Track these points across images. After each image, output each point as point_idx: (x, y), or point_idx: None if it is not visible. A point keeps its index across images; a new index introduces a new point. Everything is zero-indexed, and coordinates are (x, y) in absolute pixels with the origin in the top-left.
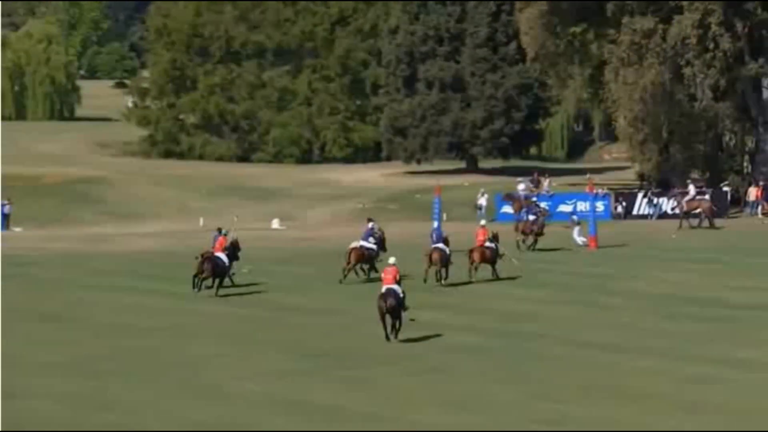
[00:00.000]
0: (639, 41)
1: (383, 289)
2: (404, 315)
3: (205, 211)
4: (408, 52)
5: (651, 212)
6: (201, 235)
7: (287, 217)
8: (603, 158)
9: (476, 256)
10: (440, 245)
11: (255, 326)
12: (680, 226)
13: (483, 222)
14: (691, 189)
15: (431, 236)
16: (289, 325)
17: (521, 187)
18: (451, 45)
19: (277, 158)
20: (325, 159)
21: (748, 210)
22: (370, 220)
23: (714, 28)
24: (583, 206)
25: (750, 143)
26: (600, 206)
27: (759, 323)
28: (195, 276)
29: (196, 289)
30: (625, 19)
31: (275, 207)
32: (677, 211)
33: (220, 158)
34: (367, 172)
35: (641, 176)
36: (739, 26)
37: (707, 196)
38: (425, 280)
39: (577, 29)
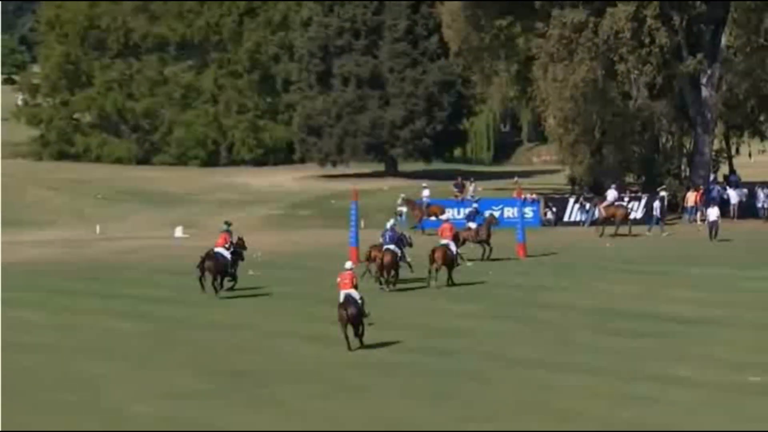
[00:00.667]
0: (569, 35)
1: (342, 297)
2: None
3: (102, 217)
4: (322, 46)
5: (583, 219)
6: (98, 243)
7: (191, 224)
8: (532, 161)
9: (438, 255)
10: (392, 246)
11: (155, 343)
12: (600, 233)
13: (445, 217)
14: (609, 194)
15: (383, 236)
16: (193, 341)
17: (425, 193)
18: (368, 39)
19: (180, 160)
20: (233, 161)
21: (686, 216)
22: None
23: (650, 21)
24: (510, 212)
25: (688, 145)
26: (529, 212)
27: (697, 338)
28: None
29: (203, 290)
30: (555, 12)
31: (178, 214)
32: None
33: (118, 160)
34: (279, 175)
35: (573, 180)
36: (676, 20)
37: (625, 202)
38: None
39: (504, 22)
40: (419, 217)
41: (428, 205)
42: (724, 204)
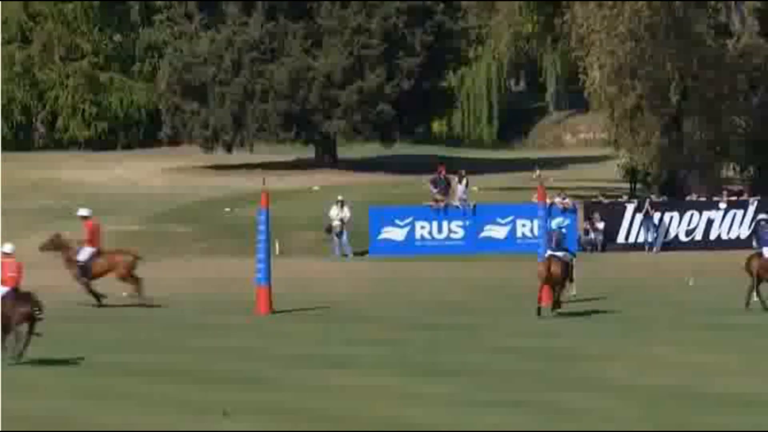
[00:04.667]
0: None
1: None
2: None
3: None
4: None
5: (650, 238)
6: None
7: None
8: (563, 141)
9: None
10: (559, 253)
11: None
12: (747, 302)
13: None
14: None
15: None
16: None
17: (334, 214)
18: None
19: None
20: (56, 142)
21: None
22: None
23: None
24: (527, 227)
25: None
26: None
27: None
28: None
29: None
30: None
31: None
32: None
33: None
34: (134, 165)
35: (632, 173)
36: None
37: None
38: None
39: None
40: None
41: None
42: None
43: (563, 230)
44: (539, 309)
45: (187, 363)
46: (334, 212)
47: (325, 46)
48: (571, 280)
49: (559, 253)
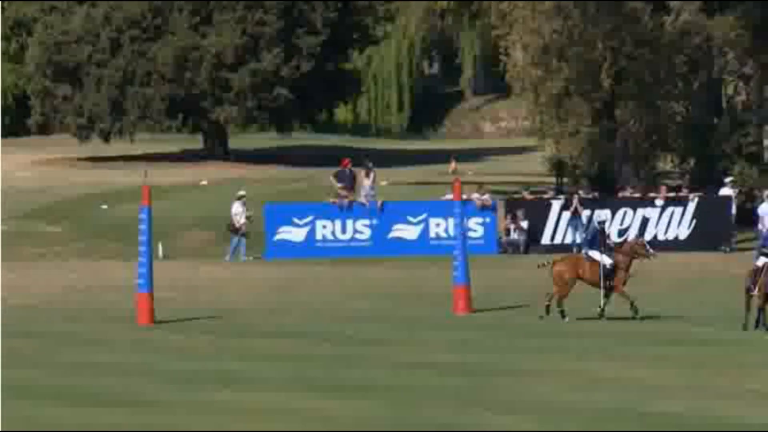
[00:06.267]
0: None
1: None
2: None
3: None
4: None
5: (579, 239)
6: None
7: None
8: (483, 130)
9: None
10: (596, 254)
11: None
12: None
13: None
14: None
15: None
16: None
17: (235, 210)
18: None
19: None
20: None
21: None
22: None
23: None
24: (441, 227)
25: None
26: (477, 227)
27: None
28: None
29: None
30: None
31: None
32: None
33: None
34: None
35: (559, 167)
36: None
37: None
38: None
39: None
40: None
41: None
42: None
43: (605, 226)
44: (562, 312)
45: (55, 380)
46: (239, 209)
47: (215, 23)
48: (606, 289)
49: (595, 254)
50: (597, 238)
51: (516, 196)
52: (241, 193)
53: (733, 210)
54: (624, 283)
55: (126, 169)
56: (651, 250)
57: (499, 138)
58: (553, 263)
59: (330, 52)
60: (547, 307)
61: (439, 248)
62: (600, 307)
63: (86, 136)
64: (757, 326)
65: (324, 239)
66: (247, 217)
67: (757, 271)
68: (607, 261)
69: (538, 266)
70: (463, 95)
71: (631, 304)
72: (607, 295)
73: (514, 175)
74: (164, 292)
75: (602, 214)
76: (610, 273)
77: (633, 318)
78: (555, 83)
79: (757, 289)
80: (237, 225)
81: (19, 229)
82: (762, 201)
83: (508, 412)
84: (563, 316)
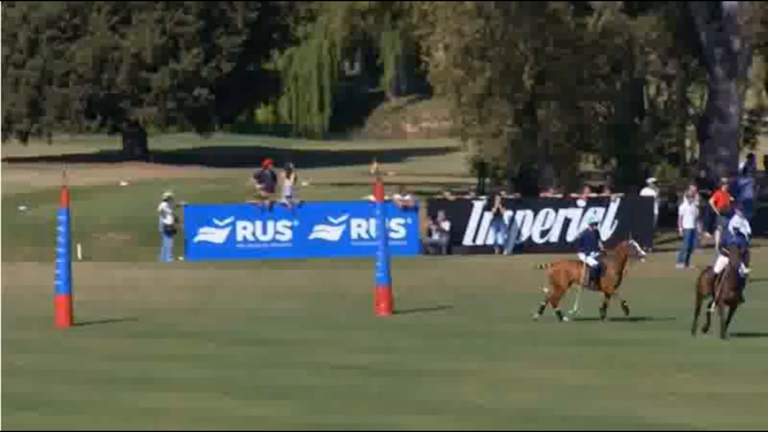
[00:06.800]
0: None
1: None
2: None
3: None
4: None
5: (501, 240)
6: None
7: None
8: (405, 131)
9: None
10: (590, 259)
11: None
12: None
13: None
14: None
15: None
16: None
17: (163, 208)
18: None
19: None
20: None
21: (687, 233)
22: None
23: None
24: (363, 228)
25: (698, 101)
26: (399, 229)
27: None
28: None
29: None
30: None
31: None
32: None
33: None
34: None
35: (481, 168)
36: None
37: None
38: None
39: None
40: None
41: None
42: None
43: (598, 227)
44: (558, 313)
45: None
46: (167, 210)
47: (134, 23)
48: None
49: (581, 256)
50: (586, 239)
51: (438, 196)
52: (168, 194)
53: (656, 210)
54: (616, 285)
55: (44, 170)
56: (642, 252)
57: (421, 139)
58: (551, 265)
59: (250, 52)
60: (542, 308)
61: (361, 249)
62: (600, 308)
63: (3, 137)
64: (705, 331)
65: (245, 240)
66: (176, 219)
67: (717, 277)
68: (591, 262)
69: (537, 268)
70: (385, 96)
71: (622, 304)
72: (608, 296)
73: (436, 176)
74: (83, 294)
75: (594, 215)
76: (596, 274)
77: (625, 318)
78: (477, 84)
79: (717, 296)
80: (165, 226)
81: None
82: (683, 201)
83: (430, 413)
84: (560, 317)
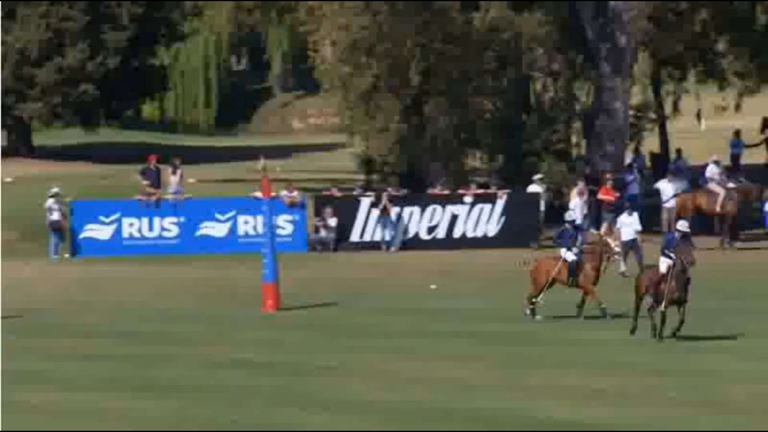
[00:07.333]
0: None
1: None
2: None
3: None
4: None
5: (388, 236)
6: None
7: None
8: (292, 126)
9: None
10: (570, 254)
11: None
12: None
13: None
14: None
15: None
16: None
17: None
18: None
19: None
20: None
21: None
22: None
23: None
24: (250, 224)
25: (585, 97)
26: (286, 225)
27: None
28: None
29: None
30: None
31: None
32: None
33: None
34: None
35: (368, 164)
36: None
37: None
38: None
39: None
40: None
41: None
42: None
43: (576, 223)
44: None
45: None
46: (54, 207)
47: (18, 18)
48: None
49: (570, 255)
50: (564, 235)
51: (325, 193)
52: (55, 190)
53: (542, 207)
54: (594, 282)
55: None
56: (616, 248)
57: (309, 135)
58: (532, 262)
59: (137, 47)
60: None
61: (248, 246)
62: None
63: None
64: (655, 335)
65: (131, 237)
66: (63, 215)
67: (662, 278)
68: (570, 257)
69: (520, 265)
70: (272, 91)
71: (582, 303)
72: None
73: (324, 173)
74: None
75: (571, 211)
76: (573, 269)
77: (602, 317)
78: (364, 80)
79: (666, 297)
80: (52, 222)
81: None
82: (573, 197)
83: (320, 411)
84: (533, 315)
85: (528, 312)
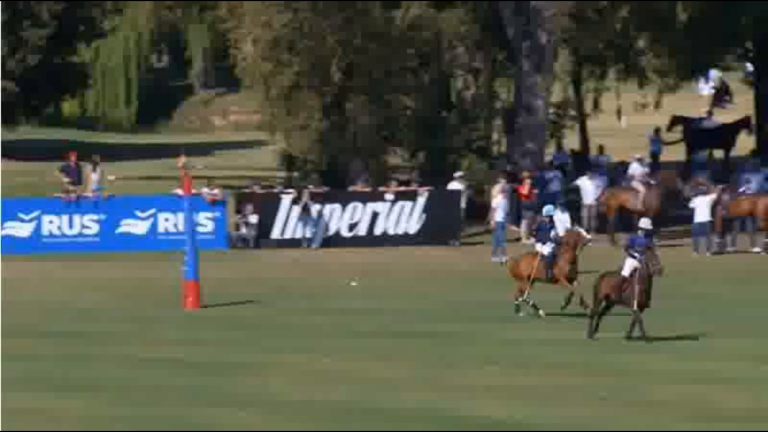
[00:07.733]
0: None
1: None
2: None
3: None
4: None
5: (309, 234)
6: None
7: None
8: (213, 123)
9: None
10: (546, 248)
11: None
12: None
13: None
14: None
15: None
16: None
17: None
18: None
19: None
20: None
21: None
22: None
23: None
24: (171, 222)
25: (506, 94)
26: (206, 222)
27: None
28: None
29: None
30: None
31: None
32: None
33: None
34: None
35: (289, 161)
36: None
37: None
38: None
39: None
40: None
41: None
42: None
43: (553, 216)
44: (517, 306)
45: None
46: None
47: None
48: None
49: (546, 248)
50: (541, 229)
51: (246, 190)
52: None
53: (463, 204)
54: (569, 275)
55: None
56: (586, 238)
57: (230, 132)
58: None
59: (57, 44)
60: (534, 306)
61: (169, 243)
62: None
63: None
64: (630, 337)
65: (51, 234)
66: None
67: (624, 281)
68: (546, 251)
69: (500, 264)
70: (193, 88)
71: (569, 296)
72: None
73: (245, 170)
74: None
75: (549, 206)
76: (549, 263)
77: (562, 308)
78: (285, 76)
79: (636, 297)
80: None
81: None
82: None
83: (238, 407)
84: (517, 311)
85: (519, 302)
